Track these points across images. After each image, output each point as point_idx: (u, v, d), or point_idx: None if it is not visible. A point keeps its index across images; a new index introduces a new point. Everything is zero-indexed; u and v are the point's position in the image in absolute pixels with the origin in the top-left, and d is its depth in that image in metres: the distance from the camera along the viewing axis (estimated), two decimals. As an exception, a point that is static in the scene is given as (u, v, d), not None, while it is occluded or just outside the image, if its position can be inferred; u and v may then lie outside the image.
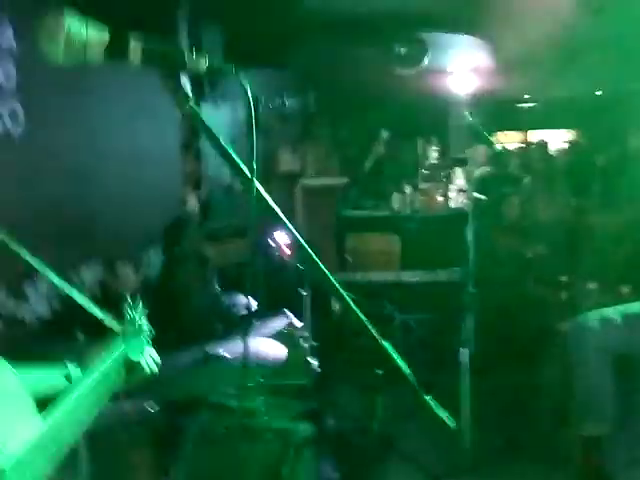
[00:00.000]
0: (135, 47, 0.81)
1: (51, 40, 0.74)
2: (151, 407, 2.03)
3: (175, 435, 1.96)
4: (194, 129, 4.14)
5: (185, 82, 0.94)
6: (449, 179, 5.76)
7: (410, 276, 4.47)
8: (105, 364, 1.11)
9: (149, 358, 1.26)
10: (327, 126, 6.23)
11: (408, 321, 4.38)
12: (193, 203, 3.98)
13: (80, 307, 1.35)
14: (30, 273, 2.57)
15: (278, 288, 3.20)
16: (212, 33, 3.78)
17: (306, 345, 2.44)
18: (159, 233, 3.65)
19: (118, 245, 3.24)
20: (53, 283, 1.41)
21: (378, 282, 4.57)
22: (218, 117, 4.36)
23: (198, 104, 3.09)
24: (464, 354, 3.17)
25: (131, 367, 1.20)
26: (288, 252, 3.52)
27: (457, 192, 5.52)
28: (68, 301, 1.47)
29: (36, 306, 2.72)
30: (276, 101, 5.39)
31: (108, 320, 1.31)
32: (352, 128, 6.33)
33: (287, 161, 5.66)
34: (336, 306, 4.13)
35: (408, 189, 5.45)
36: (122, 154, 3.33)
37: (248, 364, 1.99)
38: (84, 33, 0.76)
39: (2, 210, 2.31)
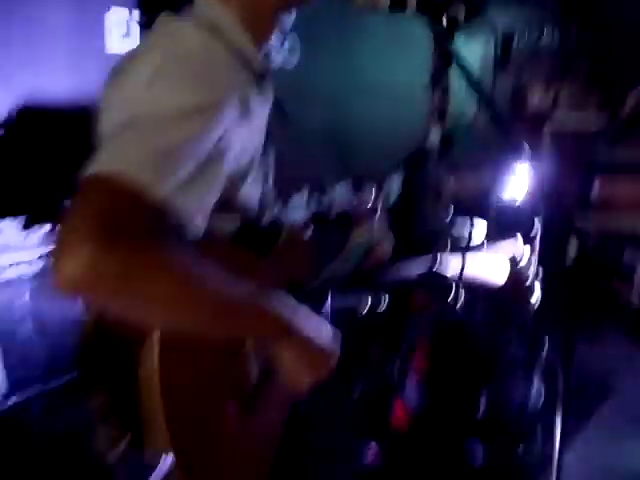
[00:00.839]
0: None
1: None
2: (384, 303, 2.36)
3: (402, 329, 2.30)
4: (444, 66, 4.27)
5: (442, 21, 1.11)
6: None
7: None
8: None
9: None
10: (586, 63, 5.80)
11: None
12: (436, 137, 4.17)
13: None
14: (299, 187, 3.08)
15: (509, 222, 3.28)
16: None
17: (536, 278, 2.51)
18: (401, 163, 3.96)
19: (365, 168, 3.63)
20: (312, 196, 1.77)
21: (626, 229, 4.33)
22: (468, 53, 4.43)
23: (452, 40, 3.24)
24: None
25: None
26: (529, 190, 3.53)
27: None
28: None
29: (296, 212, 3.25)
30: (532, 36, 5.20)
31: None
32: (615, 65, 5.79)
33: (538, 100, 5.47)
34: (572, 249, 4.02)
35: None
36: (377, 88, 3.65)
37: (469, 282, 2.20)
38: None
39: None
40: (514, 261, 2.63)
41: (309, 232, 1.36)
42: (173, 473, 0.84)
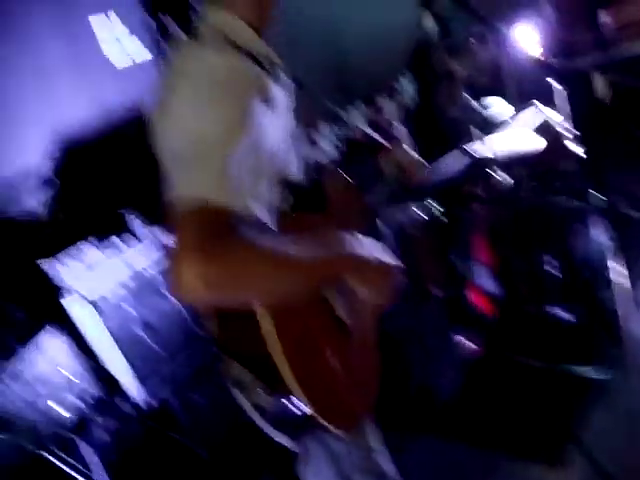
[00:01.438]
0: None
1: None
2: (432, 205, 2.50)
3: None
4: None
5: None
6: None
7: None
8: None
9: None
10: None
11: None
12: (429, 23, 4.11)
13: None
14: (314, 123, 3.17)
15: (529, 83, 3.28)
16: None
17: (569, 134, 2.55)
18: (406, 61, 3.96)
19: (373, 82, 3.66)
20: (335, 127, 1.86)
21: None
22: None
23: None
24: None
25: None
26: (538, 50, 3.50)
27: None
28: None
29: (325, 148, 3.36)
30: None
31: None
32: None
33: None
34: (604, 91, 3.96)
35: None
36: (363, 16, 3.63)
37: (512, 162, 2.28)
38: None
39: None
40: (547, 124, 2.67)
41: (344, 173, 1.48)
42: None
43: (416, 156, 1.64)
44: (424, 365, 2.41)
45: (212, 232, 0.89)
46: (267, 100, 1.04)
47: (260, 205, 0.99)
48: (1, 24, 2.16)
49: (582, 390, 2.15)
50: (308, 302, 1.10)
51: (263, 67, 1.08)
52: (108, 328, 2.07)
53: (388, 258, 1.20)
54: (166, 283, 0.89)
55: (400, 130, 1.76)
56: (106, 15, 2.44)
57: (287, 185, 1.19)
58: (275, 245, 0.97)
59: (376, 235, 1.47)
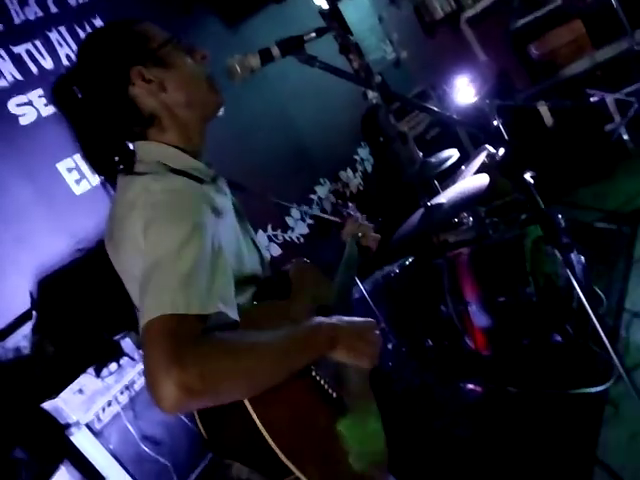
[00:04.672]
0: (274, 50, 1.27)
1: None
2: (407, 261, 2.57)
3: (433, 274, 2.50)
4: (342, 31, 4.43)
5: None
6: None
7: (607, 53, 4.26)
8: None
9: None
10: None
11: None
12: (370, 93, 4.34)
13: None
14: (285, 208, 3.31)
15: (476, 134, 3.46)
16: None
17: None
18: (358, 132, 4.16)
19: (333, 158, 3.84)
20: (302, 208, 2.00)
21: (577, 75, 4.46)
22: (357, 5, 4.61)
23: (335, 6, 3.41)
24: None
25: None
26: (474, 91, 3.71)
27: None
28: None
29: (298, 229, 3.47)
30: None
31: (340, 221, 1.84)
32: None
33: (440, 7, 5.59)
34: (549, 120, 4.18)
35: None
36: (311, 102, 3.84)
37: (462, 202, 2.39)
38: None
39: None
40: (492, 158, 2.81)
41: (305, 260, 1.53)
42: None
43: (367, 223, 1.74)
44: (437, 417, 2.41)
45: (182, 340, 0.91)
46: (216, 212, 1.12)
47: (230, 304, 1.02)
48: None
49: (592, 409, 2.16)
50: (293, 383, 1.11)
51: (202, 181, 1.17)
52: (111, 451, 2.08)
53: (369, 322, 1.23)
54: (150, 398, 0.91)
55: (349, 205, 1.89)
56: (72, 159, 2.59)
57: (252, 279, 1.25)
58: (249, 337, 1.01)
59: (351, 306, 1.53)
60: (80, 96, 1.18)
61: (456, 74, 4.18)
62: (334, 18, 4.02)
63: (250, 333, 1.03)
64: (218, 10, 3.50)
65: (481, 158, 2.80)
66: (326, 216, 1.92)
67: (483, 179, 2.30)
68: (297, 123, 3.73)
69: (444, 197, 2.49)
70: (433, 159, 2.87)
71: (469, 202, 2.30)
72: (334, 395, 1.21)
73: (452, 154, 2.78)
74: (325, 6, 3.86)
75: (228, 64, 1.26)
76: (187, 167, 1.17)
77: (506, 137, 2.24)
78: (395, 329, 2.51)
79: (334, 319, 1.16)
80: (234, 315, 1.01)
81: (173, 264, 0.97)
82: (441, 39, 5.44)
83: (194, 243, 1.00)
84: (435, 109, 1.51)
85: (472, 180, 2.44)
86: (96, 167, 1.21)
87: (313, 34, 1.27)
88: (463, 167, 2.96)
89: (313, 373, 1.18)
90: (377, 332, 1.22)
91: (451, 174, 2.97)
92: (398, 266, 2.66)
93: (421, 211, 2.51)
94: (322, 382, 1.19)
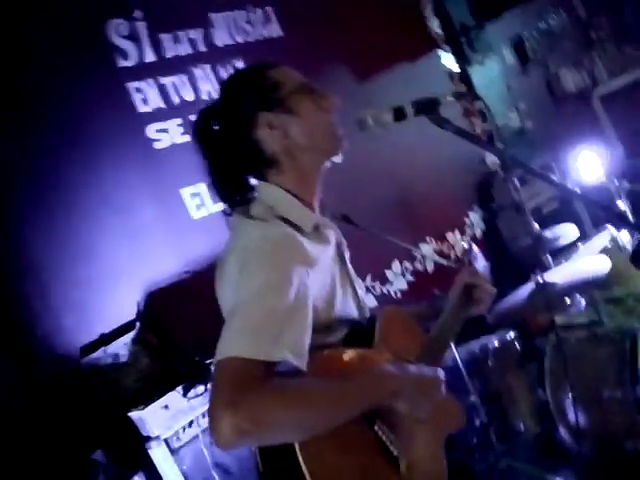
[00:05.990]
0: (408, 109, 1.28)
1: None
2: (510, 337, 2.46)
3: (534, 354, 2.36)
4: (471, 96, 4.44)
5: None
6: None
7: None
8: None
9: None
10: (608, 28, 5.76)
11: None
12: (491, 158, 4.29)
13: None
14: (387, 260, 3.29)
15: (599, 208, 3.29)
16: (457, 4, 4.07)
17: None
18: (471, 196, 4.10)
19: (441, 218, 3.79)
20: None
21: None
22: (486, 71, 4.61)
23: (465, 71, 3.44)
24: None
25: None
26: (601, 170, 3.56)
27: None
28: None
29: (397, 284, 3.44)
30: (541, 26, 5.29)
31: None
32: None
33: (574, 78, 5.46)
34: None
35: None
36: (426, 158, 3.86)
37: (578, 283, 2.26)
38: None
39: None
40: (615, 241, 2.65)
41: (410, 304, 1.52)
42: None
43: (486, 273, 1.61)
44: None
45: (242, 383, 0.98)
46: (310, 262, 1.17)
47: (298, 354, 1.06)
48: (100, 191, 2.47)
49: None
50: (350, 434, 1.12)
51: (302, 231, 1.23)
52: (184, 471, 2.11)
53: (435, 372, 1.23)
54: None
55: (476, 254, 1.72)
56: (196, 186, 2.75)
57: (345, 322, 1.26)
58: (308, 386, 1.05)
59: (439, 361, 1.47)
60: (215, 130, 1.28)
61: (583, 150, 4.03)
62: (463, 82, 4.05)
63: (311, 381, 1.07)
64: (350, 63, 3.63)
65: (602, 239, 2.65)
66: (442, 260, 1.86)
67: (604, 262, 2.17)
68: (409, 177, 3.74)
69: (557, 275, 2.37)
70: (549, 233, 2.76)
71: (586, 285, 2.18)
72: (395, 453, 1.20)
73: (570, 230, 2.66)
74: (455, 69, 3.90)
75: (361, 116, 1.30)
76: (294, 216, 1.24)
77: (633, 222, 2.13)
78: (486, 405, 2.38)
79: (399, 368, 1.18)
80: (301, 365, 1.06)
81: (251, 309, 1.05)
82: (570, 113, 5.29)
83: (276, 292, 1.07)
84: (557, 181, 1.46)
85: (591, 261, 2.31)
86: (219, 195, 1.30)
87: (450, 97, 1.29)
88: (580, 245, 2.82)
89: (376, 427, 1.18)
90: (441, 387, 1.22)
91: (566, 251, 2.84)
92: (498, 339, 2.54)
93: (531, 286, 2.40)
94: (384, 437, 1.19)
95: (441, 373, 1.25)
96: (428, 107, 1.27)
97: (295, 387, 1.03)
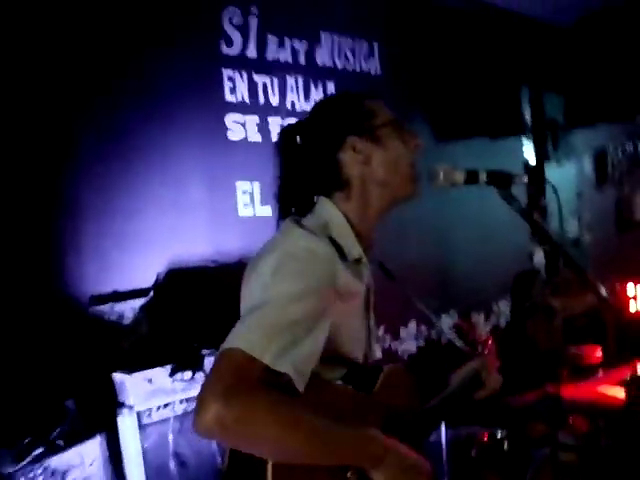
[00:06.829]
0: (482, 175, 1.28)
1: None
2: (501, 434, 2.38)
3: (522, 461, 2.27)
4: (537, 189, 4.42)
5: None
6: None
7: None
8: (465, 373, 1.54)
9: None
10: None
11: None
12: (540, 257, 4.22)
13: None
14: (405, 318, 3.26)
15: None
16: (553, 100, 4.08)
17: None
18: (508, 286, 4.03)
19: (472, 296, 3.73)
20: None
21: None
22: (562, 172, 4.59)
23: (542, 164, 3.42)
24: None
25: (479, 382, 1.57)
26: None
27: None
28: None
29: (407, 344, 3.39)
30: (627, 147, 5.25)
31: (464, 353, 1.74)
32: None
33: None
34: None
35: None
36: (474, 223, 3.84)
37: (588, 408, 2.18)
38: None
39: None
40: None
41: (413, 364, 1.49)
42: None
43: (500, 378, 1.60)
44: None
45: (240, 380, 0.96)
46: (336, 287, 1.15)
47: (300, 373, 1.04)
48: (158, 164, 2.53)
49: None
50: (323, 470, 1.09)
51: (345, 259, 1.21)
52: (144, 449, 2.11)
53: (424, 463, 1.18)
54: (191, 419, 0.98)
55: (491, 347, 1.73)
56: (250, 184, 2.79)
57: (348, 362, 1.25)
58: (301, 412, 1.02)
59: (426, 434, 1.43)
60: (298, 143, 1.31)
61: (636, 279, 3.95)
62: (536, 175, 4.04)
63: (306, 409, 1.04)
64: (433, 122, 3.66)
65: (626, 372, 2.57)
66: (457, 341, 1.82)
67: (618, 394, 2.10)
68: (454, 245, 3.71)
69: (568, 392, 2.30)
70: (572, 348, 2.69)
71: (594, 412, 2.11)
72: None
73: (595, 351, 2.59)
74: (532, 162, 3.89)
75: (435, 169, 1.30)
76: (343, 241, 1.23)
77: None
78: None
79: (393, 442, 1.14)
80: (299, 386, 1.03)
81: (273, 312, 1.04)
82: (632, 240, 5.20)
83: (302, 304, 1.05)
84: (602, 295, 1.43)
85: (607, 390, 2.24)
86: (281, 202, 1.32)
87: (525, 179, 1.28)
88: (600, 372, 2.74)
89: (348, 474, 1.14)
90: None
91: (586, 370, 2.76)
92: (488, 433, 2.46)
93: (542, 397, 2.33)
94: None
95: (429, 466, 1.19)
96: (501, 180, 1.27)
97: (290, 408, 1.01)
